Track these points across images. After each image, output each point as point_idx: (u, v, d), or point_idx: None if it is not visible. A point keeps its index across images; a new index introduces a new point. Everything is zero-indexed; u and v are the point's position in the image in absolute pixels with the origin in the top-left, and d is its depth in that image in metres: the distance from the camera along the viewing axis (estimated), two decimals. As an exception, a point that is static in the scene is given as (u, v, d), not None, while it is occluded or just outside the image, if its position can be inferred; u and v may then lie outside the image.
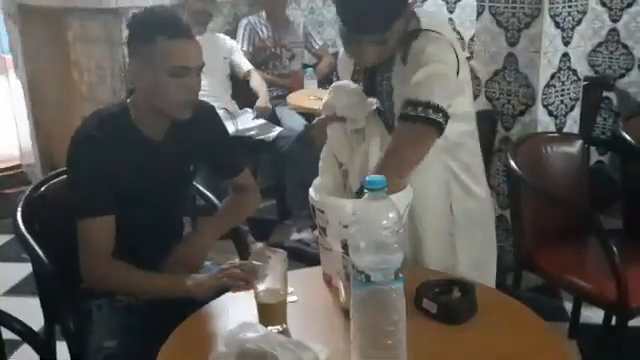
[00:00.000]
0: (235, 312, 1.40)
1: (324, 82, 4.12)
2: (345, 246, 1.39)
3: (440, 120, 1.50)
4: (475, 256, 1.73)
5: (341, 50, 1.82)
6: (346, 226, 1.35)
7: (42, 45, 4.22)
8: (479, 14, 2.89)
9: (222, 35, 3.95)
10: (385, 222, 1.09)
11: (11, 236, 1.81)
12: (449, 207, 1.69)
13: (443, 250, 1.70)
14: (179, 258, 1.71)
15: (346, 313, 1.27)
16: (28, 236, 1.72)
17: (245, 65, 3.93)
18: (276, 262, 1.33)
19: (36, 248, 1.70)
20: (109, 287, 1.64)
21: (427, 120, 1.50)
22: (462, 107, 1.64)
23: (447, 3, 4.24)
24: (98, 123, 1.65)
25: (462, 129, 1.67)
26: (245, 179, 1.91)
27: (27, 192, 1.86)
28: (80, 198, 1.64)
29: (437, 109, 1.49)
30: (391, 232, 1.09)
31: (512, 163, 2.28)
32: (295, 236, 3.51)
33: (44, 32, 4.20)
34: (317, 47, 4.40)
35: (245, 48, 4.05)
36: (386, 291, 1.09)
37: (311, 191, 1.53)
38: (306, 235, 3.46)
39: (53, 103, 4.31)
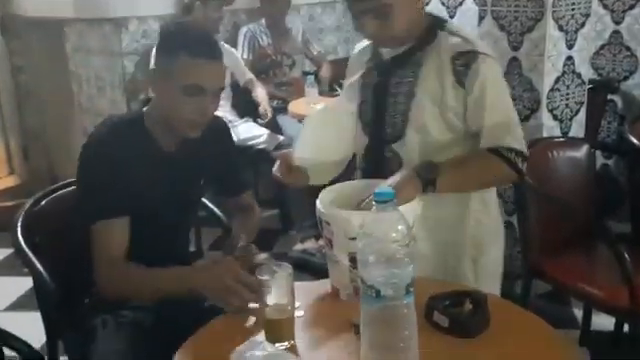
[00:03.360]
0: (241, 328, 1.37)
1: (328, 90, 4.10)
2: (352, 259, 1.36)
3: (523, 169, 1.56)
4: (488, 272, 1.71)
5: (357, 47, 1.81)
6: (352, 238, 1.33)
7: (41, 56, 4.20)
8: (481, 18, 2.87)
9: (222, 43, 3.92)
10: (395, 235, 1.06)
11: (12, 249, 1.78)
12: (467, 218, 1.66)
13: (459, 264, 1.67)
14: None
15: (355, 327, 1.24)
16: (28, 251, 1.70)
17: (246, 74, 3.91)
18: (282, 276, 1.30)
19: (36, 264, 1.68)
20: (124, 293, 1.59)
21: (516, 167, 1.55)
22: None
23: (447, 7, 4.23)
24: (111, 129, 1.64)
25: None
26: (248, 199, 1.91)
27: (27, 206, 1.83)
28: (92, 201, 1.60)
29: (524, 158, 1.56)
30: (401, 245, 1.06)
31: (518, 169, 2.25)
32: (299, 246, 3.48)
33: (43, 43, 4.18)
34: (315, 53, 4.38)
35: (245, 56, 4.03)
36: (397, 306, 1.06)
37: (318, 202, 1.50)
38: (310, 245, 3.43)
39: (52, 115, 4.29)
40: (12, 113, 4.30)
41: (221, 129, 1.83)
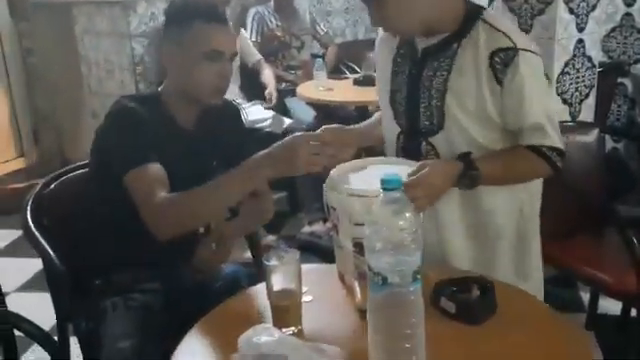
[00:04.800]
0: (249, 313, 1.38)
1: (334, 72, 4.08)
2: (356, 244, 1.37)
3: (560, 165, 1.55)
4: (531, 268, 1.71)
5: (380, 31, 1.73)
6: (357, 224, 1.34)
7: (50, 39, 4.20)
8: (491, 1, 2.84)
9: (230, 24, 3.89)
10: (402, 222, 1.06)
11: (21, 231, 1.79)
12: (516, 224, 1.65)
13: (516, 255, 1.67)
14: (198, 264, 1.71)
15: (362, 313, 1.25)
16: (38, 234, 1.71)
17: (255, 55, 3.89)
18: (290, 262, 1.31)
19: (46, 247, 1.68)
20: (181, 223, 1.54)
21: (554, 165, 1.54)
22: None
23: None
24: (133, 100, 1.66)
25: None
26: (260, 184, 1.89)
27: (37, 188, 1.84)
28: (123, 153, 1.58)
29: (562, 154, 1.55)
30: (408, 232, 1.06)
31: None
32: (307, 229, 3.49)
33: (52, 26, 4.18)
34: (322, 33, 4.35)
35: (254, 38, 4.01)
36: (404, 293, 1.06)
37: (324, 187, 1.50)
38: (318, 228, 3.44)
39: (61, 97, 4.29)
40: (22, 95, 4.31)
41: (233, 112, 1.85)
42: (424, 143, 1.59)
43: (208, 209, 1.55)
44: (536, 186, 1.69)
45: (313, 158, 1.45)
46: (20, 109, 4.32)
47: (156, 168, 1.57)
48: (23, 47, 4.30)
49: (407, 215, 1.08)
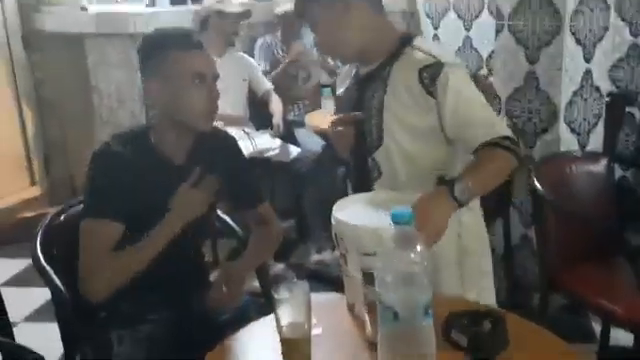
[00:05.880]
0: (258, 347, 1.37)
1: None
2: (365, 274, 1.36)
3: (518, 152, 1.60)
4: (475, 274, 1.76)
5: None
6: (366, 254, 1.34)
7: (62, 70, 4.25)
8: (498, 32, 2.86)
9: (241, 54, 3.91)
10: (413, 256, 1.06)
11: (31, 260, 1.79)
12: (457, 234, 1.70)
13: (453, 280, 1.71)
14: (212, 304, 1.70)
15: (372, 345, 1.24)
16: (46, 265, 1.71)
17: (265, 84, 3.90)
18: (299, 294, 1.30)
19: (54, 277, 1.68)
20: (112, 285, 1.58)
21: (515, 153, 1.59)
22: None
23: (464, 21, 4.22)
24: (119, 141, 1.67)
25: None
26: (265, 211, 1.89)
27: (47, 218, 1.85)
28: (90, 198, 1.63)
29: (513, 141, 1.60)
30: (419, 266, 1.06)
31: (537, 183, 2.24)
32: (315, 257, 3.48)
33: (64, 57, 4.24)
34: (331, 63, 4.37)
35: (262, 69, 4.03)
36: (415, 328, 1.06)
37: (332, 217, 1.50)
38: (326, 256, 3.43)
39: (73, 127, 4.33)
40: (34, 125, 4.35)
41: (230, 144, 1.84)
42: (370, 160, 1.74)
43: (135, 268, 1.60)
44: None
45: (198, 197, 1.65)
46: (32, 138, 4.35)
47: (113, 229, 1.59)
48: (35, 77, 4.36)
49: (418, 248, 1.08)
